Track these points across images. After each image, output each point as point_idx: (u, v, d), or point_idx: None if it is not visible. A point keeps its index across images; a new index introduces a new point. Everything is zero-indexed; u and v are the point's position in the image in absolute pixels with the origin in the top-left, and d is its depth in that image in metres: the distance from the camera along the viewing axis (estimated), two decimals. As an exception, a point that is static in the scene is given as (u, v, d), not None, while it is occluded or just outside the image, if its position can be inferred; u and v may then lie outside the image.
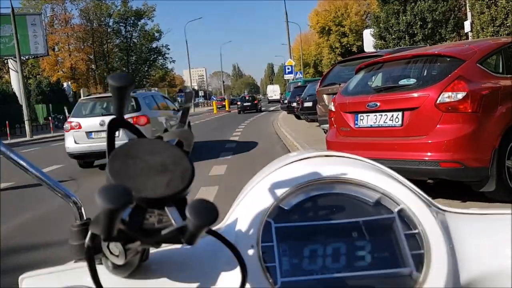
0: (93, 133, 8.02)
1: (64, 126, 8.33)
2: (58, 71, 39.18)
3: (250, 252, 0.45)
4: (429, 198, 0.51)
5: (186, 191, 0.41)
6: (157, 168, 0.41)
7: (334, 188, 0.49)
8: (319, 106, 8.88)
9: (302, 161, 0.54)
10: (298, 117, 16.43)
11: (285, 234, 0.46)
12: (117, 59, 45.36)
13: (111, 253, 0.42)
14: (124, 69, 43.70)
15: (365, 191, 0.48)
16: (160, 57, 48.37)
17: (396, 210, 0.47)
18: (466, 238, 0.47)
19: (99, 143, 7.77)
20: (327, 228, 0.46)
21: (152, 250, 0.48)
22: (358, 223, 0.46)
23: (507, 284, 0.45)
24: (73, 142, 8.03)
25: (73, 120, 8.17)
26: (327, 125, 6.01)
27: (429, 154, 4.03)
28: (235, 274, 0.44)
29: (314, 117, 11.83)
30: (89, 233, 0.41)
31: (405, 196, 0.47)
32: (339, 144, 4.85)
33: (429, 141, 4.05)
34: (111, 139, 0.43)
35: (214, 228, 0.50)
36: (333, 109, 5.07)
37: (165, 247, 0.48)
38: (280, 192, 0.48)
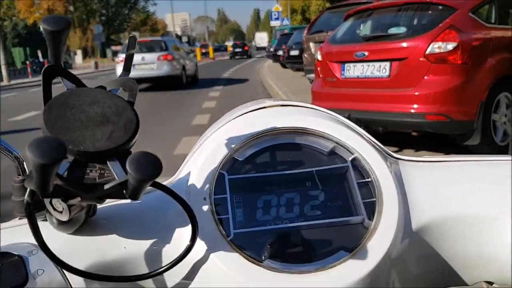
0: (136, 65, 11.84)
1: (116, 60, 12.43)
2: (35, 13, 37.84)
3: (202, 205, 0.45)
4: (383, 147, 0.52)
5: (129, 143, 0.39)
6: (97, 119, 0.39)
7: (288, 138, 0.49)
8: (306, 55, 8.78)
9: (257, 111, 0.54)
10: (284, 66, 16.32)
11: (238, 186, 0.46)
12: (96, 1, 43.90)
13: (54, 209, 0.41)
14: (104, 11, 42.46)
15: (320, 140, 0.49)
16: (141, -1, 46.95)
17: (349, 159, 0.48)
18: (418, 186, 0.49)
19: (140, 72, 12.05)
20: (281, 179, 0.47)
21: (100, 206, 0.47)
22: (312, 172, 0.47)
23: (456, 229, 0.47)
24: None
25: (121, 56, 12.33)
26: (313, 75, 5.94)
27: (415, 106, 4.01)
28: (187, 228, 0.44)
29: (300, 67, 11.75)
30: (28, 188, 0.39)
31: (359, 145, 0.48)
32: (325, 95, 4.80)
33: (416, 93, 4.01)
34: (47, 87, 0.40)
35: (166, 182, 0.50)
36: (319, 58, 4.97)
37: (114, 202, 0.48)
38: (234, 143, 0.48)
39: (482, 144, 3.96)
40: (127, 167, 0.33)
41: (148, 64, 12.14)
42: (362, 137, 0.50)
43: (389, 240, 0.44)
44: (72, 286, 0.43)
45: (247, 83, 14.10)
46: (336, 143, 0.48)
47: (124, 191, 0.36)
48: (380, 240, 0.44)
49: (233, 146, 0.48)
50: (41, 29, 0.40)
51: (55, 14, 0.42)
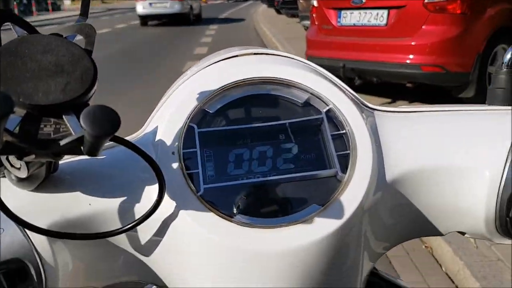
0: (152, 4, 15.76)
1: None
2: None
3: (171, 159, 0.43)
4: (358, 97, 0.50)
5: (87, 96, 0.36)
6: (51, 69, 0.35)
7: (262, 89, 0.47)
8: (301, 1, 8.53)
9: (229, 60, 0.51)
10: (278, 12, 15.89)
11: (209, 139, 0.44)
12: None
13: (12, 165, 0.39)
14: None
15: (294, 91, 0.46)
16: None
17: (324, 110, 0.45)
18: (393, 137, 0.47)
19: (155, 10, 15.84)
20: (253, 132, 0.45)
21: (62, 161, 0.45)
22: (285, 125, 0.45)
23: (431, 181, 0.46)
24: (141, 8, 15.82)
25: None
26: (308, 22, 5.79)
27: (411, 56, 3.95)
28: (155, 184, 0.41)
29: (295, 12, 11.46)
30: None
31: (334, 96, 0.46)
32: (320, 43, 4.71)
33: (413, 43, 3.94)
34: None
35: (132, 136, 0.47)
36: (315, 4, 4.82)
37: (77, 158, 0.45)
38: (204, 94, 0.45)
39: (477, 96, 3.94)
40: (81, 122, 0.31)
41: (162, 3, 15.92)
42: (338, 87, 0.48)
43: (362, 192, 0.43)
44: (35, 245, 0.41)
45: (241, 22, 16.93)
46: (311, 93, 0.46)
47: (82, 147, 0.33)
48: (353, 193, 0.43)
49: (203, 97, 0.45)
50: None
51: None
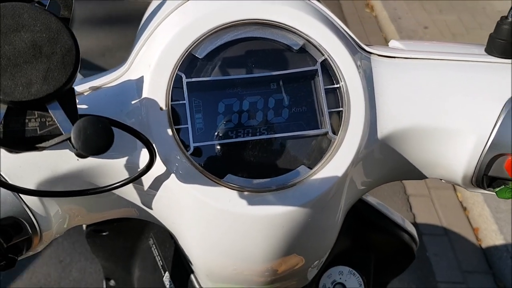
0: None
1: None
2: None
3: (159, 115, 0.41)
4: (357, 40, 0.47)
5: (70, 82, 0.33)
6: (28, 52, 0.32)
7: (254, 32, 0.43)
8: None
9: None
10: None
11: (198, 88, 0.42)
12: None
13: None
14: None
15: (290, 35, 0.43)
16: None
17: (320, 61, 0.43)
18: (388, 89, 0.45)
19: None
20: (244, 80, 0.43)
21: None
22: (278, 75, 0.43)
23: (419, 139, 0.46)
24: None
25: None
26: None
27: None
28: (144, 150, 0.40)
29: None
30: None
31: (330, 43, 0.43)
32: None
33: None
34: None
35: (114, 79, 0.43)
36: None
37: None
38: (191, 36, 0.42)
39: None
40: (73, 141, 0.29)
41: None
42: (336, 31, 0.45)
43: (352, 154, 0.42)
44: (25, 202, 0.42)
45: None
46: (307, 40, 0.43)
47: (71, 144, 0.31)
48: (343, 155, 0.42)
49: (191, 40, 0.42)
50: None
51: None
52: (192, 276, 0.63)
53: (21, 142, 0.33)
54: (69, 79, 0.32)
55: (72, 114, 0.33)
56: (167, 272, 0.67)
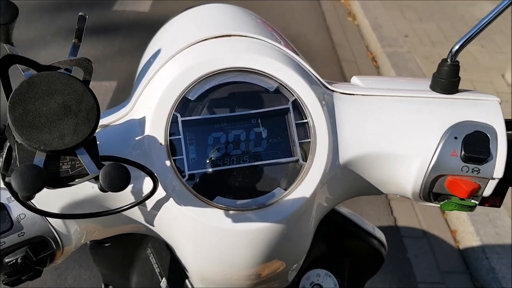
0: None
1: None
2: None
3: (159, 148, 0.49)
4: (322, 81, 0.56)
5: (93, 133, 0.41)
6: (60, 111, 0.40)
7: (237, 76, 0.52)
8: None
9: (205, 43, 0.54)
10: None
11: (191, 125, 0.50)
12: None
13: None
14: None
15: (266, 79, 0.52)
16: None
17: (291, 100, 0.52)
18: (347, 121, 0.53)
19: None
20: (229, 118, 0.51)
21: None
22: (257, 112, 0.51)
23: (374, 163, 0.54)
24: None
25: None
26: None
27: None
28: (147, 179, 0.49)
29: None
30: (3, 159, 0.43)
31: (299, 86, 0.52)
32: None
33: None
34: (5, 79, 0.41)
35: (121, 117, 0.52)
36: None
37: None
38: (185, 82, 0.50)
39: None
40: (100, 182, 0.38)
41: None
42: (304, 75, 0.53)
43: (318, 177, 0.50)
44: (51, 223, 0.49)
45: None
46: (280, 83, 0.52)
47: (95, 181, 0.40)
48: (311, 178, 0.50)
49: (184, 86, 0.50)
50: None
51: (1, 1, 0.41)
52: (186, 281, 0.71)
53: (58, 181, 0.41)
54: (93, 130, 0.41)
55: (95, 157, 0.41)
56: (164, 278, 0.75)
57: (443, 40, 3.66)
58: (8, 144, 0.43)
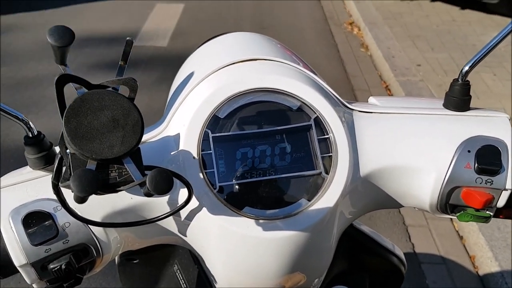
0: None
1: None
2: None
3: (192, 162, 0.53)
4: (341, 100, 0.60)
5: (138, 144, 0.45)
6: (109, 125, 0.44)
7: (263, 96, 0.56)
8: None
9: (234, 67, 0.59)
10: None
11: (220, 141, 0.54)
12: None
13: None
14: None
15: (289, 99, 0.56)
16: None
17: (313, 117, 0.55)
18: (367, 137, 0.57)
19: None
20: (256, 134, 0.55)
21: None
22: (281, 129, 0.55)
23: (393, 175, 0.58)
24: None
25: None
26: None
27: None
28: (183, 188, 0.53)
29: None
30: (54, 169, 0.47)
31: (320, 104, 0.55)
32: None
33: None
34: (60, 96, 0.46)
35: (157, 134, 0.57)
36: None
37: None
38: (215, 101, 0.54)
39: (502, 2, 3.81)
40: (147, 185, 0.42)
41: None
42: (324, 94, 0.57)
43: (340, 189, 0.54)
44: (93, 231, 0.53)
45: None
46: (302, 102, 0.56)
47: (140, 188, 0.44)
48: (334, 190, 0.54)
49: (214, 105, 0.54)
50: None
51: (59, 26, 0.47)
52: None
53: (107, 187, 0.45)
54: (138, 142, 0.45)
55: (140, 165, 0.46)
56: None
57: (455, 68, 3.70)
58: (59, 155, 0.48)
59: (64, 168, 0.48)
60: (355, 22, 4.88)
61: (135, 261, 0.84)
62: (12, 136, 2.81)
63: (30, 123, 0.54)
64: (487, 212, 0.57)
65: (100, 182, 0.41)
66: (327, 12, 5.22)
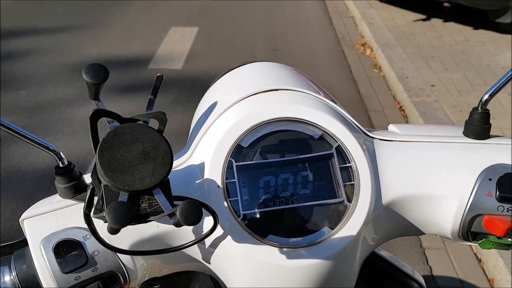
0: None
1: None
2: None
3: (217, 190, 0.54)
4: (362, 128, 0.60)
5: (168, 175, 0.46)
6: (140, 157, 0.46)
7: (284, 125, 0.57)
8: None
9: (256, 97, 0.60)
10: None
11: (243, 169, 0.55)
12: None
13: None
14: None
15: (311, 128, 0.57)
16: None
17: (334, 146, 0.56)
18: (388, 165, 0.58)
19: None
20: (278, 162, 0.55)
21: None
22: (303, 157, 0.56)
23: (415, 204, 0.58)
24: None
25: None
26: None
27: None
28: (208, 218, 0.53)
29: None
30: (86, 200, 0.49)
31: (342, 133, 0.56)
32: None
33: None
34: (94, 131, 0.47)
35: (182, 162, 0.58)
36: None
37: None
38: (238, 131, 0.56)
39: None
40: (178, 216, 0.43)
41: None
42: (346, 124, 0.58)
43: (363, 217, 0.54)
44: (121, 259, 0.54)
45: None
46: (324, 131, 0.57)
47: (170, 218, 0.45)
48: (356, 218, 0.54)
49: (238, 135, 0.56)
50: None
51: (95, 64, 0.49)
52: None
53: (138, 217, 0.46)
54: (167, 173, 0.46)
55: (169, 196, 0.47)
56: None
57: (470, 89, 3.70)
58: (91, 186, 0.49)
59: (95, 199, 0.49)
60: (368, 43, 4.91)
61: (156, 286, 0.85)
62: (31, 159, 2.85)
63: (61, 153, 0.55)
64: (509, 239, 0.57)
65: (134, 214, 0.42)
66: (339, 33, 5.26)
